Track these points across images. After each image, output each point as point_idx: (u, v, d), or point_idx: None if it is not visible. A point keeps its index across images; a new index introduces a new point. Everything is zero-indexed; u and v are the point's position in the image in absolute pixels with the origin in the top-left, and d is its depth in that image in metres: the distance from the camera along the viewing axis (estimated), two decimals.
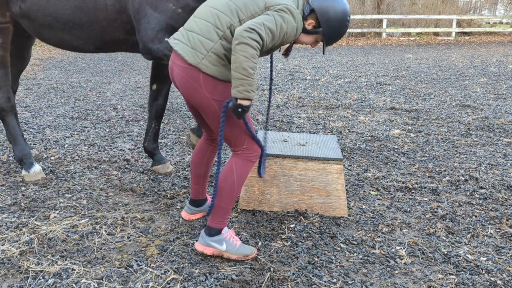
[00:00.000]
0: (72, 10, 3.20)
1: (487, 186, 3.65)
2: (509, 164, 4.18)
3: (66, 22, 3.25)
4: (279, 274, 2.40)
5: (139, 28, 3.11)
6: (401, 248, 2.69)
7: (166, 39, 2.63)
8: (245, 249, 2.55)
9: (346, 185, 3.61)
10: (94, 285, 2.28)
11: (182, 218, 3.00)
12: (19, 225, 2.89)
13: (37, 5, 3.26)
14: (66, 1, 3.21)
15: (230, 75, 2.29)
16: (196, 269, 2.43)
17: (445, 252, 2.66)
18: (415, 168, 4.07)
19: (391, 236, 2.85)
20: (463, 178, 3.81)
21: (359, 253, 2.64)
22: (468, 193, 3.53)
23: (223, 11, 2.36)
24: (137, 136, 4.98)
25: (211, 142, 2.81)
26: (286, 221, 3.00)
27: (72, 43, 3.39)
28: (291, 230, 2.89)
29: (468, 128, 5.40)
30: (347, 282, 2.36)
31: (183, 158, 4.26)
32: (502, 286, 2.35)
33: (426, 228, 2.96)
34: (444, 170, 4.01)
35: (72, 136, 4.91)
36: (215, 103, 2.37)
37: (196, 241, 2.70)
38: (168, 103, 6.56)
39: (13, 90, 3.88)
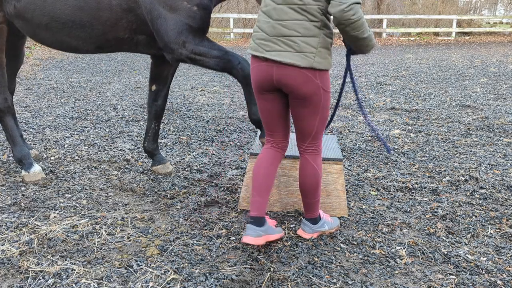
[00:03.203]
0: (72, 10, 3.12)
1: (487, 186, 3.64)
2: (509, 164, 4.18)
3: (65, 22, 3.16)
4: (279, 274, 2.40)
5: (157, 29, 3.05)
6: (401, 248, 2.69)
7: (254, 53, 2.49)
8: (335, 221, 2.90)
9: (346, 185, 3.61)
10: (94, 285, 2.28)
11: (247, 243, 2.59)
12: (19, 225, 2.89)
13: (34, 4, 3.16)
14: (65, 0, 3.13)
15: (331, 61, 2.47)
16: (196, 269, 2.43)
17: (445, 252, 2.66)
18: (415, 168, 4.07)
19: (391, 236, 2.85)
20: (463, 178, 3.81)
21: (359, 253, 2.64)
22: (468, 193, 3.53)
23: (306, 2, 2.33)
24: (137, 136, 4.98)
25: (281, 149, 2.72)
26: (286, 221, 3.00)
27: (71, 44, 3.31)
28: (291, 230, 2.88)
29: (468, 128, 5.40)
30: (347, 282, 2.36)
31: (183, 158, 4.26)
32: (502, 286, 2.35)
33: (426, 228, 2.96)
34: (444, 170, 4.01)
35: (72, 136, 4.91)
36: (322, 91, 2.47)
37: (197, 241, 2.70)
38: (168, 103, 6.57)
39: (10, 91, 3.87)
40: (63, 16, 3.15)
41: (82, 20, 3.14)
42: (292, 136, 3.60)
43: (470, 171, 3.99)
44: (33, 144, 4.57)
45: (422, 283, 2.36)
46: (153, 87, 3.66)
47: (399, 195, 3.48)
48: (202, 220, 2.99)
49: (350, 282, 2.35)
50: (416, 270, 2.49)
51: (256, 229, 2.55)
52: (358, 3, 2.27)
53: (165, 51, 3.12)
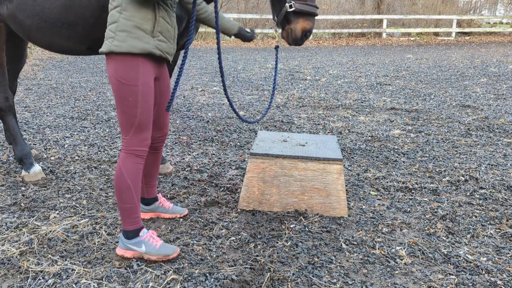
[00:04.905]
0: (59, 9, 3.01)
1: (487, 186, 3.65)
2: (509, 164, 4.18)
3: (53, 22, 3.05)
4: (279, 274, 2.40)
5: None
6: (401, 248, 2.69)
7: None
8: (166, 249, 2.50)
9: (346, 185, 3.61)
10: (94, 285, 2.28)
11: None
12: (19, 225, 2.89)
13: (24, 4, 3.07)
14: None
15: (143, 45, 2.32)
16: (196, 269, 2.43)
17: (445, 252, 2.66)
18: (415, 168, 4.07)
19: (391, 236, 2.85)
20: (463, 178, 3.81)
21: (359, 253, 2.64)
22: (468, 193, 3.53)
23: None
24: None
25: (151, 149, 2.72)
26: (286, 221, 3.00)
27: (62, 44, 3.19)
28: (291, 230, 2.88)
29: (468, 128, 5.40)
30: (347, 282, 2.36)
31: (183, 158, 4.26)
32: (502, 286, 2.35)
33: (426, 228, 2.96)
34: (444, 170, 4.01)
35: (72, 136, 4.91)
36: (115, 80, 2.36)
37: (197, 241, 2.70)
38: None
39: (12, 91, 3.86)
40: (52, 16, 3.05)
41: (69, 19, 3.03)
42: (293, 136, 3.60)
43: (470, 171, 3.99)
44: (33, 144, 4.57)
45: (422, 283, 2.37)
46: None
47: (399, 195, 3.48)
48: (202, 220, 2.99)
49: (350, 282, 2.35)
50: (416, 270, 2.49)
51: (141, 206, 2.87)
52: None
53: None
